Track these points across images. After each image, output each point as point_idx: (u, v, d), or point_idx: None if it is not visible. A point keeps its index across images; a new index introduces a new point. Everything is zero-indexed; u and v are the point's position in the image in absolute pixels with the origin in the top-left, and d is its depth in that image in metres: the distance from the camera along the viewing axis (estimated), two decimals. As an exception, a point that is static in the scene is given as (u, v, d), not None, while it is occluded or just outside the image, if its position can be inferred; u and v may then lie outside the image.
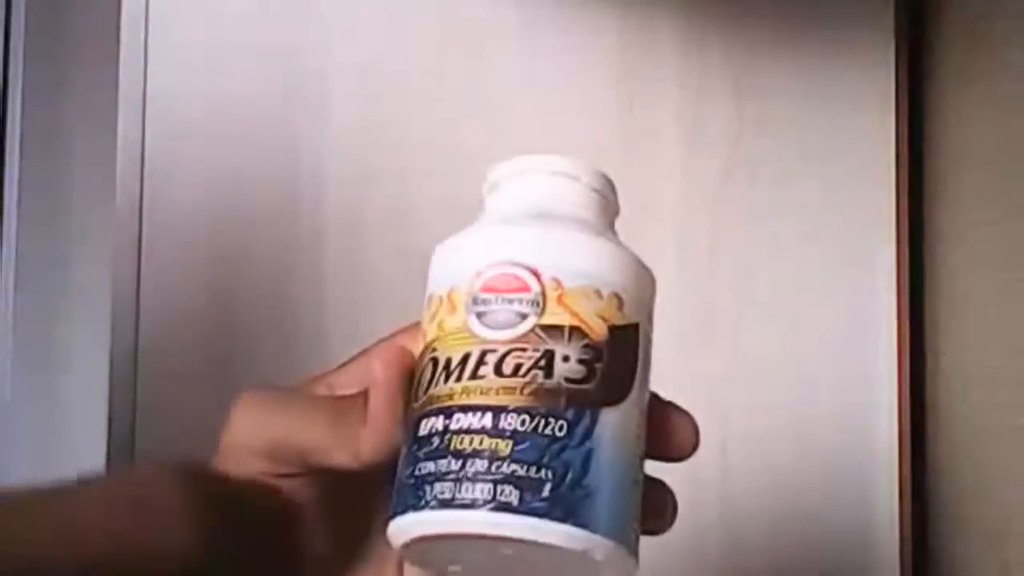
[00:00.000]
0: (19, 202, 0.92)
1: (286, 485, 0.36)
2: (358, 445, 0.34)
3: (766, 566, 0.72)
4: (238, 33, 0.70)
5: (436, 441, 0.31)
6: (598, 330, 0.33)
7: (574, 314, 0.32)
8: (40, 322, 0.92)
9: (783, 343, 0.73)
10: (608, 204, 0.37)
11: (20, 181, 0.92)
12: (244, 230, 0.69)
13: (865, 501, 0.73)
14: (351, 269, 0.69)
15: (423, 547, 0.32)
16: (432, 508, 0.30)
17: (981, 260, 0.71)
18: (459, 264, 0.34)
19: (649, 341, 0.35)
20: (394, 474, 0.33)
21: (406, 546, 0.32)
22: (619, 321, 0.33)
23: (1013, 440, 0.66)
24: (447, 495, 0.30)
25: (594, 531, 0.30)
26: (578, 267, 0.33)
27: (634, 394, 0.33)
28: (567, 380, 0.32)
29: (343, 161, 0.70)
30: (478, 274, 0.33)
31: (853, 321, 0.74)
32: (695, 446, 0.36)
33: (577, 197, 0.36)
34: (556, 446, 0.31)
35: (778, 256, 0.74)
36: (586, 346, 0.32)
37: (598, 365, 0.32)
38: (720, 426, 0.72)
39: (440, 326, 0.33)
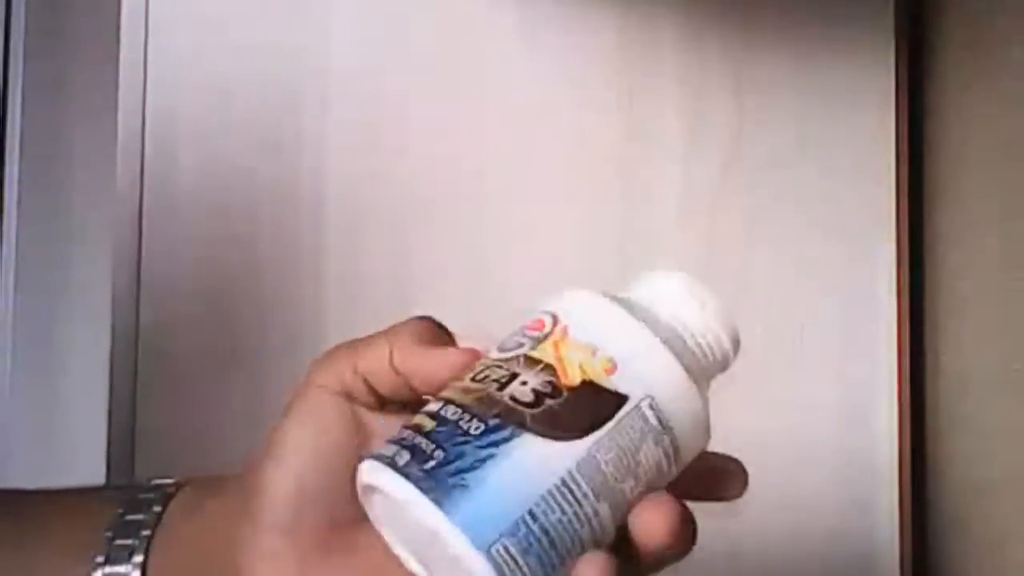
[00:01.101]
0: (19, 202, 0.92)
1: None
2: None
3: (765, 567, 0.72)
4: (238, 33, 0.70)
5: (414, 416, 0.36)
6: (571, 376, 0.35)
7: (558, 357, 0.35)
8: (40, 322, 0.92)
9: (782, 342, 0.73)
10: (711, 356, 0.40)
11: (20, 181, 0.93)
12: (244, 230, 0.70)
13: (865, 501, 0.73)
14: (351, 269, 0.69)
15: (370, 494, 0.36)
16: (374, 457, 0.35)
17: (981, 260, 0.71)
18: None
19: (642, 420, 0.35)
20: None
21: (365, 490, 0.36)
22: (600, 381, 0.35)
23: (1013, 440, 0.66)
24: (383, 448, 0.35)
25: (449, 517, 0.32)
26: (591, 328, 0.36)
27: (583, 444, 0.34)
28: (511, 398, 0.34)
29: (343, 161, 0.70)
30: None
31: (853, 321, 0.74)
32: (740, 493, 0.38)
33: (685, 319, 0.39)
34: (462, 438, 0.33)
35: (778, 254, 0.74)
36: (549, 382, 0.34)
37: (550, 401, 0.34)
38: (719, 426, 0.72)
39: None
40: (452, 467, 0.33)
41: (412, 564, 0.36)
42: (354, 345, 0.39)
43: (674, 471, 0.37)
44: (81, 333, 0.89)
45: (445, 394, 0.35)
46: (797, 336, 0.74)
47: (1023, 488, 0.65)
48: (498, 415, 0.34)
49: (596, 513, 0.34)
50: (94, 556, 0.41)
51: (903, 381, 0.74)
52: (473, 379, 0.35)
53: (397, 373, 0.38)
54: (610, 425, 0.34)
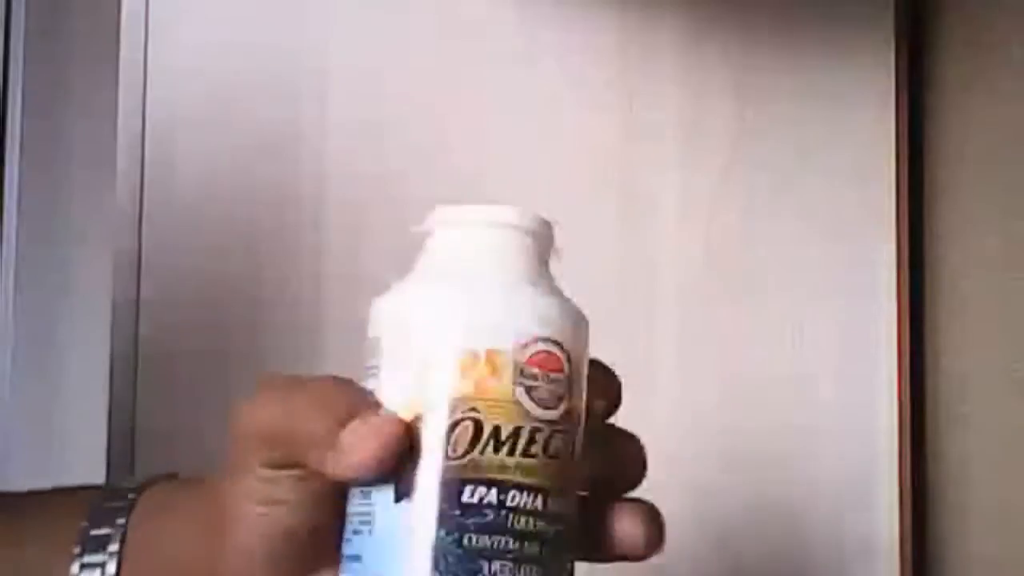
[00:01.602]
0: (19, 202, 0.92)
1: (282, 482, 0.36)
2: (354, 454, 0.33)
3: (765, 566, 0.72)
4: (238, 33, 0.70)
5: (491, 514, 0.32)
6: (582, 418, 0.35)
7: (581, 399, 0.34)
8: (40, 322, 0.92)
9: (783, 343, 0.73)
10: (551, 254, 0.38)
11: (20, 181, 0.93)
12: (244, 230, 0.69)
13: (865, 501, 0.73)
14: (351, 270, 0.69)
15: None
16: None
17: (981, 260, 0.71)
18: (495, 325, 0.33)
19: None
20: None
21: None
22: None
23: (1013, 440, 0.66)
24: (508, 575, 0.31)
25: None
26: (584, 352, 0.35)
27: None
28: (579, 467, 0.34)
29: (343, 161, 0.70)
30: (523, 346, 0.33)
31: (853, 321, 0.74)
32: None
33: (541, 253, 0.36)
34: (572, 535, 0.33)
35: (778, 256, 0.74)
36: (581, 435, 0.34)
37: (581, 453, 0.34)
38: (717, 425, 0.72)
39: (479, 386, 0.33)
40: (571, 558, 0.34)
41: None
42: (259, 415, 0.36)
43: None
44: (81, 333, 0.89)
45: (540, 481, 0.33)
46: (797, 336, 0.73)
47: (1023, 488, 0.65)
48: (577, 486, 0.34)
49: None
50: (68, 569, 0.41)
51: (903, 381, 0.74)
52: (548, 453, 0.33)
53: (291, 455, 0.35)
54: None
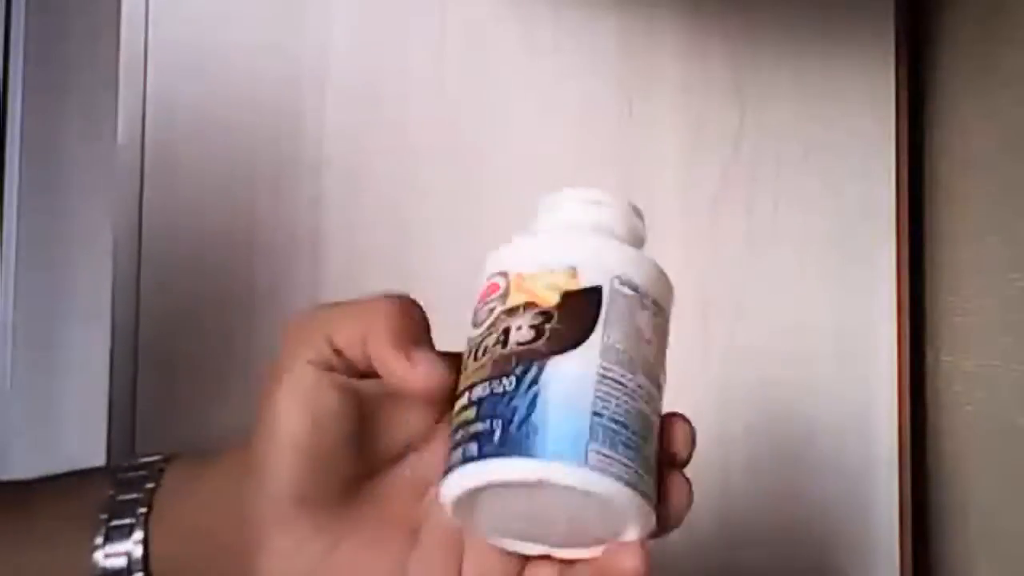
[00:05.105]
0: (19, 202, 0.93)
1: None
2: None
3: (764, 565, 0.72)
4: (238, 33, 0.70)
5: (453, 422, 0.37)
6: (549, 298, 0.38)
7: (529, 292, 0.38)
8: (40, 322, 0.92)
9: (783, 342, 0.73)
10: (628, 227, 0.42)
11: (20, 181, 0.93)
12: (244, 230, 0.70)
13: (865, 501, 0.73)
14: (350, 269, 0.69)
15: (462, 507, 0.37)
16: (448, 473, 0.36)
17: (981, 260, 0.71)
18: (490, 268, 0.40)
19: (621, 296, 0.39)
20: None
21: (480, 502, 0.37)
22: (572, 287, 0.38)
23: (1013, 440, 0.66)
24: (451, 461, 0.36)
25: (542, 458, 0.35)
26: (537, 257, 0.39)
27: (594, 338, 0.37)
28: (518, 343, 0.37)
29: (343, 161, 0.70)
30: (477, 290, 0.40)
31: (853, 321, 0.74)
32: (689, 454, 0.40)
33: (554, 213, 0.42)
34: (505, 398, 0.36)
35: (778, 254, 0.74)
36: (537, 313, 0.38)
37: (547, 325, 0.37)
38: (719, 425, 0.72)
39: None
40: (514, 424, 0.35)
41: (533, 548, 0.38)
42: (327, 318, 0.39)
43: (666, 323, 0.41)
44: (81, 333, 0.89)
45: (463, 385, 0.37)
46: (797, 336, 0.74)
47: (1022, 486, 0.65)
48: (518, 363, 0.36)
49: (639, 385, 0.37)
50: (92, 538, 0.40)
51: (903, 381, 0.74)
52: (475, 358, 0.38)
53: (369, 361, 0.38)
54: (603, 314, 0.38)
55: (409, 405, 0.40)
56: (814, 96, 0.75)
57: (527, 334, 0.37)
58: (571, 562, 0.38)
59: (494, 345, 0.37)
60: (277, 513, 0.38)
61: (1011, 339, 0.67)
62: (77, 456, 0.81)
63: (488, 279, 0.40)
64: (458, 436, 0.36)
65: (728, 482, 0.72)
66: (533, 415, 0.35)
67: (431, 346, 0.39)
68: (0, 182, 0.93)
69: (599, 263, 0.39)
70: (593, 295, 0.38)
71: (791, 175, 0.74)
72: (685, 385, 0.72)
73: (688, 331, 0.72)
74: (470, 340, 0.39)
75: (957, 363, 0.73)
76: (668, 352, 0.41)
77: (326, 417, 0.38)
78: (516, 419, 0.35)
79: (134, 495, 0.41)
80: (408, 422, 0.40)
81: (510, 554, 0.38)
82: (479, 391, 0.36)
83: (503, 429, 0.35)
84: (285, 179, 0.70)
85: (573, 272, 0.38)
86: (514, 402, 0.36)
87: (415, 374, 0.38)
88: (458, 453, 0.36)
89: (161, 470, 0.42)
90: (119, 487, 0.42)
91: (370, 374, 0.39)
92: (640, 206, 0.44)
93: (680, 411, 0.40)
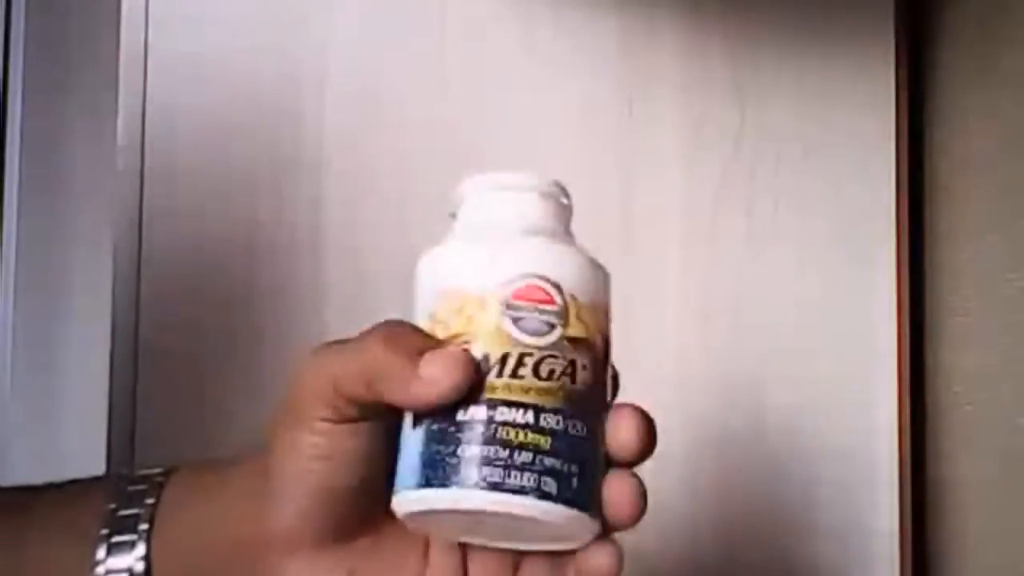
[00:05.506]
0: (19, 202, 0.93)
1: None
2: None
3: (764, 565, 0.72)
4: (238, 34, 0.70)
5: (480, 428, 0.36)
6: (598, 343, 0.38)
7: (586, 327, 0.37)
8: (40, 322, 0.92)
9: (783, 342, 0.73)
10: (570, 215, 0.42)
11: (20, 181, 0.93)
12: (244, 230, 0.70)
13: (865, 501, 0.73)
14: (351, 269, 0.69)
15: (440, 517, 0.36)
16: (481, 488, 0.35)
17: (981, 260, 0.71)
18: (483, 269, 0.38)
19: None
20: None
21: (424, 514, 0.36)
22: (608, 333, 0.39)
23: (1013, 440, 0.66)
24: (496, 479, 0.35)
25: (593, 518, 0.36)
26: (586, 285, 0.38)
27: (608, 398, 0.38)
28: (583, 385, 0.37)
29: (343, 161, 0.70)
30: (509, 282, 0.37)
31: (853, 321, 0.74)
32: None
33: (555, 212, 0.40)
34: (579, 445, 0.36)
35: (778, 254, 0.74)
36: (592, 357, 0.37)
37: (598, 374, 0.37)
38: (719, 425, 0.72)
39: (470, 321, 0.37)
40: (587, 477, 0.36)
41: (507, 544, 0.39)
42: (332, 369, 0.38)
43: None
44: (81, 333, 0.89)
45: (531, 399, 0.36)
46: (797, 336, 0.74)
47: (1023, 488, 0.65)
48: (586, 413, 0.36)
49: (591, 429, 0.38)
50: (93, 553, 0.40)
51: (903, 381, 0.74)
52: (536, 372, 0.36)
53: (378, 401, 0.37)
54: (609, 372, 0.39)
55: None
56: (814, 96, 0.75)
57: (588, 378, 0.37)
58: (561, 555, 0.38)
59: (561, 374, 0.36)
60: (296, 555, 0.38)
61: (1011, 339, 0.67)
62: (77, 456, 0.82)
63: (527, 276, 0.37)
64: (524, 456, 0.35)
65: (727, 482, 0.72)
66: (597, 474, 0.36)
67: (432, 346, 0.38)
68: (0, 182, 0.93)
69: (609, 305, 0.39)
70: (608, 346, 0.39)
71: (791, 175, 0.74)
72: (685, 385, 0.72)
73: (688, 331, 0.72)
74: (522, 343, 0.36)
75: (957, 363, 0.73)
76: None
77: (342, 466, 0.38)
78: (588, 474, 0.36)
79: (135, 510, 0.41)
80: None
81: (506, 558, 0.39)
82: (551, 420, 0.36)
83: (579, 478, 0.36)
84: (285, 179, 0.70)
85: (607, 318, 0.39)
86: (584, 453, 0.36)
87: (429, 393, 0.36)
88: (529, 478, 0.35)
89: (161, 484, 0.42)
90: (120, 501, 0.41)
91: (389, 407, 0.38)
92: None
93: (638, 404, 0.38)
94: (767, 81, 0.74)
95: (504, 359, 0.36)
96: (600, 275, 0.39)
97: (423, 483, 0.36)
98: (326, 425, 0.38)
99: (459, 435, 0.36)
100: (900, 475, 0.73)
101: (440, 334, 0.37)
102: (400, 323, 0.38)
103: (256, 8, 0.71)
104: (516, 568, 0.39)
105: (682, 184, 0.73)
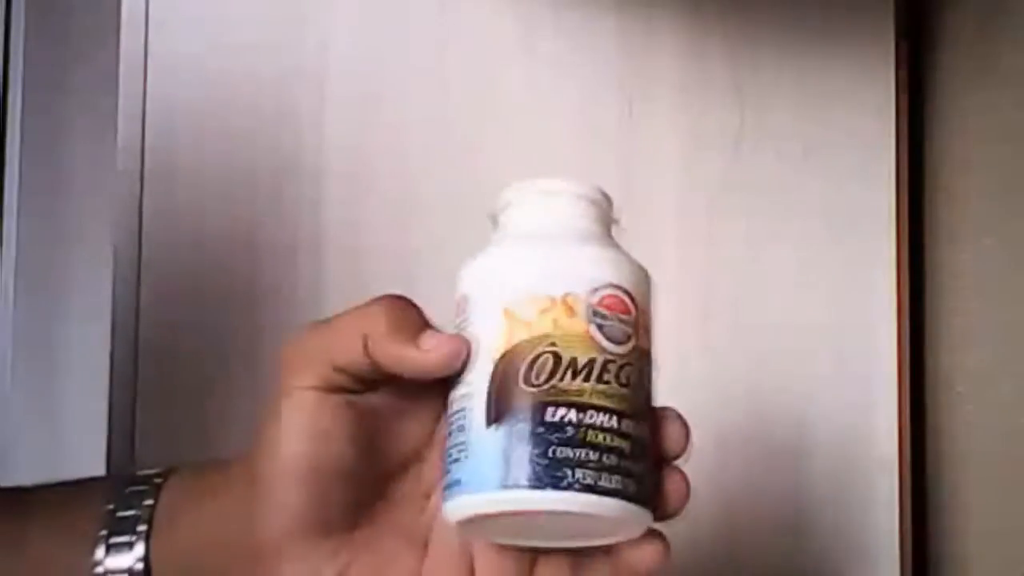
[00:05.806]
0: (19, 202, 0.92)
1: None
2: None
3: (764, 565, 0.72)
4: (238, 34, 0.70)
5: (571, 430, 0.36)
6: (653, 351, 0.40)
7: (649, 337, 0.40)
8: (40, 322, 0.92)
9: (783, 343, 0.73)
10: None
11: (20, 181, 0.93)
12: (244, 231, 0.70)
13: (865, 501, 0.73)
14: (351, 269, 0.69)
15: (499, 520, 0.37)
16: (576, 490, 0.36)
17: (981, 260, 0.71)
18: (570, 276, 0.39)
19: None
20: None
21: (493, 517, 0.37)
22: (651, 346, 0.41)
23: (1013, 440, 0.66)
24: (589, 481, 0.36)
25: (649, 513, 0.38)
26: (647, 296, 0.41)
27: None
28: (647, 392, 0.39)
29: (343, 162, 0.70)
30: (595, 290, 0.38)
31: (853, 321, 0.74)
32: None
33: (604, 218, 0.42)
34: (645, 448, 0.38)
35: (778, 254, 0.74)
36: (652, 365, 0.40)
37: (652, 380, 0.40)
38: (718, 426, 0.72)
39: (556, 324, 0.38)
40: (647, 482, 0.38)
41: (544, 544, 0.39)
42: (323, 338, 0.39)
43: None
44: (81, 333, 0.89)
45: (614, 404, 0.37)
46: (797, 336, 0.74)
47: (1022, 486, 0.65)
48: (646, 414, 0.39)
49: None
50: (92, 553, 0.40)
51: (903, 380, 0.74)
52: (619, 380, 0.38)
53: (373, 363, 0.38)
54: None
55: (410, 415, 0.40)
56: (814, 96, 0.75)
57: (650, 386, 0.40)
58: (582, 552, 0.39)
59: (638, 383, 0.38)
60: (289, 544, 0.38)
61: (1011, 339, 0.67)
62: (77, 456, 0.82)
63: (610, 287, 0.39)
64: (602, 458, 0.36)
65: (727, 482, 0.72)
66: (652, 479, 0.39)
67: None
68: (0, 182, 0.93)
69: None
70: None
71: (791, 175, 0.74)
72: (685, 385, 0.72)
73: (688, 331, 0.72)
74: (601, 343, 0.38)
75: (957, 363, 0.73)
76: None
77: (329, 443, 0.38)
78: (648, 478, 0.38)
79: (134, 511, 0.41)
80: (411, 432, 0.40)
81: (521, 554, 0.39)
82: (629, 426, 0.37)
83: (643, 482, 0.37)
84: (285, 179, 0.70)
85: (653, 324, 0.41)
86: (648, 460, 0.38)
87: (428, 356, 0.37)
88: (617, 481, 0.36)
89: (160, 485, 0.42)
90: (119, 502, 0.41)
91: (379, 381, 0.39)
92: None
93: (678, 409, 0.41)
94: (767, 81, 0.74)
95: (591, 363, 0.37)
96: (651, 285, 0.42)
97: (511, 484, 0.36)
98: (312, 395, 0.38)
99: (549, 436, 0.36)
100: (900, 475, 0.73)
101: (522, 335, 0.38)
102: (403, 296, 0.39)
103: (256, 9, 0.71)
104: (533, 564, 0.39)
105: (682, 184, 0.73)
